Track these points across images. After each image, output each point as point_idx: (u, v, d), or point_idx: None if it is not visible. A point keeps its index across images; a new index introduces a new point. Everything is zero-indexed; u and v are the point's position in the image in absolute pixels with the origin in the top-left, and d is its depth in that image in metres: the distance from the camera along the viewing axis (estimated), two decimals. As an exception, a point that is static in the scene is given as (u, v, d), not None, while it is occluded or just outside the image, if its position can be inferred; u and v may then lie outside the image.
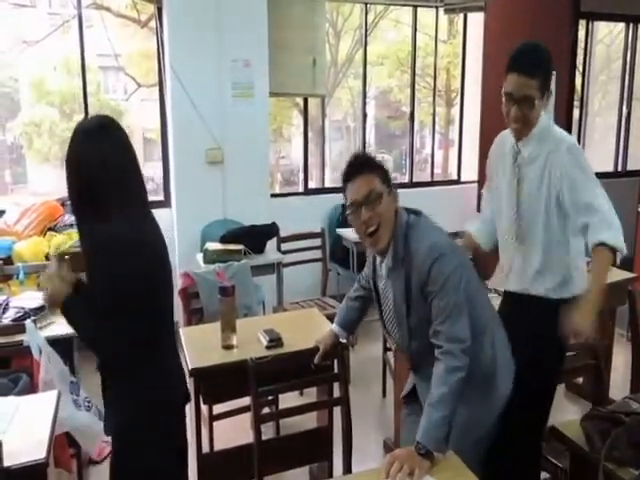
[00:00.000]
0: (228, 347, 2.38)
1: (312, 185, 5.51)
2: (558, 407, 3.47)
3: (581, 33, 5.73)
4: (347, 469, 2.30)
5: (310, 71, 4.87)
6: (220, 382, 2.30)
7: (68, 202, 4.24)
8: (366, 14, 5.42)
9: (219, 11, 4.28)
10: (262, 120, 4.55)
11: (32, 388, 2.27)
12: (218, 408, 2.84)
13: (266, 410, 2.83)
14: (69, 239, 3.69)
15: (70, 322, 1.67)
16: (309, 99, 5.27)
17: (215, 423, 2.88)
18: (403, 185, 5.71)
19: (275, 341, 2.38)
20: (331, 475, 2.48)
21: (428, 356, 1.78)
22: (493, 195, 2.35)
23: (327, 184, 5.83)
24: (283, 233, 4.22)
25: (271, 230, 4.12)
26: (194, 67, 4.28)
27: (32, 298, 2.82)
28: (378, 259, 1.94)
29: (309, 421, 2.68)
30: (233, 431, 3.03)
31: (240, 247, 3.81)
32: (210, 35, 4.28)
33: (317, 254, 4.48)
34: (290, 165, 8.71)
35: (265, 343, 2.39)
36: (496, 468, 1.91)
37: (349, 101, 9.18)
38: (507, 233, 2.22)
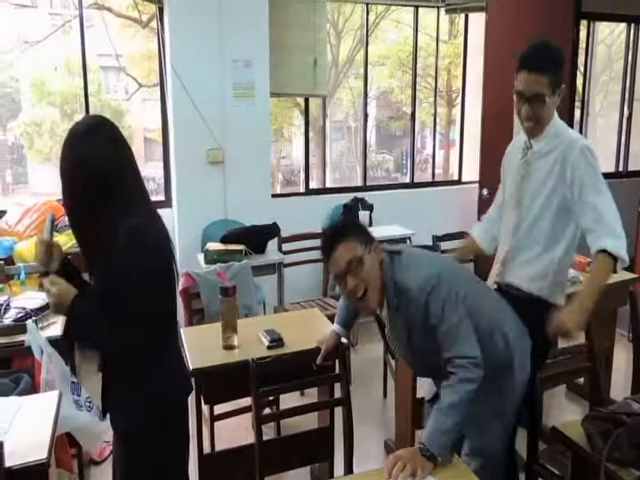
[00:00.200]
0: (229, 347, 2.38)
1: (313, 185, 5.50)
2: (559, 407, 3.49)
3: (582, 33, 5.72)
4: (348, 469, 2.30)
5: (311, 71, 4.87)
6: (221, 382, 2.30)
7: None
8: (367, 14, 5.42)
9: (220, 11, 4.28)
10: (263, 120, 4.55)
11: (33, 388, 2.27)
12: (219, 408, 2.84)
13: (267, 410, 2.84)
14: (70, 239, 3.69)
15: (76, 324, 1.61)
16: (310, 99, 5.27)
17: (216, 423, 2.89)
18: (404, 185, 5.72)
19: (276, 341, 2.38)
20: (332, 475, 2.48)
21: (440, 371, 1.81)
22: (504, 195, 2.35)
23: (328, 184, 5.83)
24: (284, 233, 4.22)
25: (272, 230, 4.12)
26: (195, 67, 4.28)
27: (33, 298, 2.82)
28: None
29: (310, 421, 2.68)
30: (234, 431, 3.03)
31: (241, 247, 3.82)
32: (211, 35, 4.28)
33: (318, 254, 4.46)
34: (291, 165, 8.71)
35: (266, 343, 2.39)
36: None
37: (350, 101, 9.19)
38: (507, 226, 2.23)
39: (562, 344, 2.41)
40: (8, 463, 1.57)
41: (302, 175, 5.53)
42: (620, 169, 6.59)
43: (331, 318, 2.58)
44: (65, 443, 2.31)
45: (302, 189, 5.39)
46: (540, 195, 2.10)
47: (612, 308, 3.40)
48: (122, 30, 6.96)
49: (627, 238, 2.00)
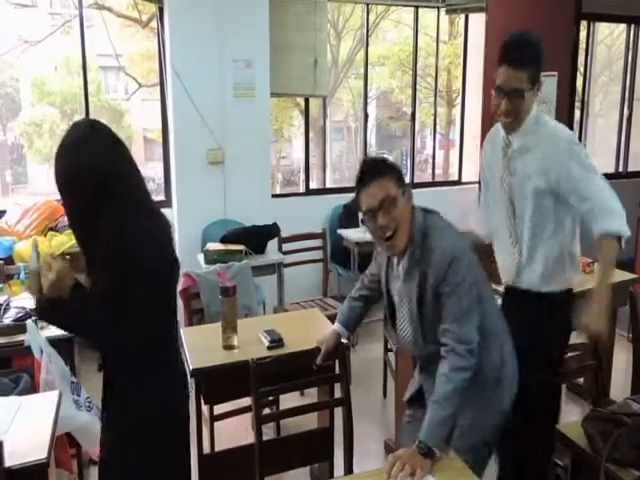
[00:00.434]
0: (229, 347, 2.38)
1: (313, 185, 5.51)
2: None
3: (582, 34, 5.73)
4: (348, 469, 2.30)
5: (311, 71, 4.87)
6: (221, 382, 2.30)
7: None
8: (367, 14, 5.43)
9: (221, 11, 4.28)
10: (263, 120, 4.55)
11: (33, 388, 2.27)
12: (219, 408, 2.84)
13: (267, 410, 2.83)
14: (70, 239, 3.70)
15: (72, 316, 1.58)
16: (310, 99, 5.27)
17: (216, 423, 2.89)
18: (410, 186, 5.70)
19: (276, 342, 2.38)
20: (332, 475, 2.48)
21: (440, 356, 1.79)
22: (487, 190, 2.34)
23: (328, 184, 5.84)
24: (284, 233, 4.22)
25: (272, 230, 4.12)
26: (195, 67, 4.28)
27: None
28: (395, 260, 1.94)
29: (310, 422, 2.68)
30: (234, 431, 3.03)
31: (241, 247, 3.81)
32: (211, 35, 4.28)
33: (318, 255, 4.48)
34: (291, 165, 8.72)
35: (266, 343, 2.38)
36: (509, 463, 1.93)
37: (350, 101, 9.19)
38: (500, 228, 2.23)
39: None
40: (8, 463, 1.57)
41: (302, 175, 5.54)
42: (620, 169, 6.60)
43: (331, 318, 2.58)
44: (65, 443, 2.31)
45: (302, 189, 5.39)
46: (532, 195, 2.07)
47: (612, 308, 3.39)
48: (122, 30, 6.96)
49: (627, 240, 2.00)
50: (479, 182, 5.23)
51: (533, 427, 2.03)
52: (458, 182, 5.97)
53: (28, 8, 6.39)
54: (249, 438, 2.35)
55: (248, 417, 2.90)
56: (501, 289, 2.31)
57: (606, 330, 1.93)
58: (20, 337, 2.53)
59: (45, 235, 3.96)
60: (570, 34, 4.63)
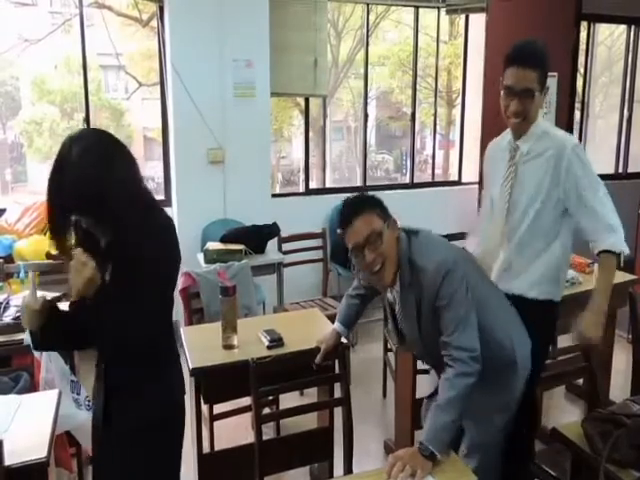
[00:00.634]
0: (229, 347, 2.38)
1: (313, 185, 5.50)
2: (558, 408, 3.49)
3: (582, 35, 5.73)
4: (348, 469, 2.30)
5: (311, 71, 4.87)
6: (221, 382, 2.30)
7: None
8: (367, 14, 5.42)
9: (221, 11, 4.28)
10: (263, 120, 4.55)
11: (33, 387, 2.27)
12: (219, 408, 2.84)
13: (267, 410, 2.83)
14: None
15: (70, 332, 1.61)
16: (310, 99, 5.27)
17: (216, 423, 2.89)
18: (404, 186, 5.72)
19: (276, 341, 2.38)
20: (332, 475, 2.48)
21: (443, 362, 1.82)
22: (493, 200, 2.34)
23: (328, 184, 5.83)
24: (283, 233, 4.22)
25: (272, 230, 4.12)
26: (195, 66, 4.28)
27: (33, 297, 2.81)
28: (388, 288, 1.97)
29: (310, 421, 2.68)
30: (234, 431, 3.03)
31: (241, 247, 3.81)
32: (212, 35, 4.28)
33: (318, 254, 4.48)
34: (291, 165, 8.71)
35: (266, 343, 2.38)
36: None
37: (350, 101, 9.18)
38: (497, 233, 2.22)
39: (561, 344, 2.40)
40: (7, 462, 1.57)
41: (302, 175, 5.53)
42: (620, 171, 6.60)
43: (331, 318, 2.58)
44: (64, 442, 2.30)
45: (302, 189, 5.39)
46: (536, 200, 2.09)
47: (612, 309, 3.39)
48: (122, 29, 6.96)
49: (626, 239, 2.01)
50: (479, 183, 5.27)
51: (511, 433, 2.04)
52: (458, 182, 5.97)
53: (28, 7, 6.39)
54: (249, 438, 2.36)
55: (248, 417, 2.90)
56: None
57: (600, 340, 1.94)
58: (20, 336, 2.53)
59: (45, 234, 3.95)
60: (570, 35, 4.63)
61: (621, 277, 3.23)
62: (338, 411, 2.31)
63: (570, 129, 5.21)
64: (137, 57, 7.52)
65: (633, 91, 6.44)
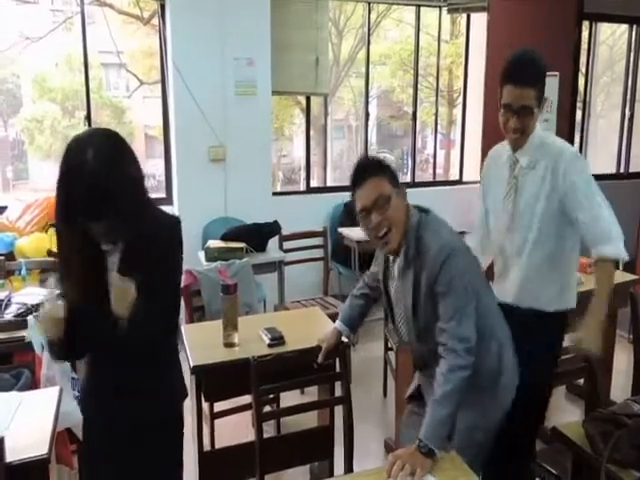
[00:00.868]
0: (230, 345, 2.38)
1: (314, 184, 5.51)
2: (559, 408, 3.49)
3: (584, 34, 5.72)
4: (348, 468, 2.30)
5: (313, 70, 4.87)
6: (221, 380, 2.30)
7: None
8: (369, 13, 5.42)
9: (222, 9, 4.28)
10: (264, 118, 4.55)
11: (34, 384, 2.27)
12: (219, 406, 2.84)
13: (267, 408, 2.83)
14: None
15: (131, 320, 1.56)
16: (311, 98, 5.27)
17: (216, 421, 2.89)
18: (405, 185, 5.69)
19: (277, 339, 2.38)
20: (332, 474, 2.48)
21: (436, 356, 1.79)
22: (488, 210, 2.33)
23: (329, 183, 5.84)
24: (284, 232, 4.22)
25: (273, 228, 4.12)
26: (197, 65, 4.28)
27: (34, 294, 2.82)
28: (391, 259, 1.95)
29: (310, 420, 2.68)
30: (234, 429, 3.03)
31: (242, 245, 3.81)
32: (213, 33, 4.28)
33: (319, 253, 4.48)
34: (292, 164, 8.72)
35: (267, 341, 2.38)
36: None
37: (351, 100, 9.19)
38: (500, 246, 2.22)
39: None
40: (9, 459, 1.57)
41: (303, 173, 5.54)
42: (621, 170, 6.60)
43: (332, 317, 2.58)
44: (65, 439, 2.30)
45: (303, 187, 5.39)
46: (536, 212, 2.08)
47: (612, 310, 3.40)
48: (123, 27, 6.96)
49: (627, 240, 2.02)
50: (480, 182, 5.25)
51: (515, 431, 2.03)
52: (459, 182, 5.97)
53: (29, 4, 6.39)
54: (249, 436, 2.35)
55: (248, 415, 2.90)
56: None
57: (599, 349, 1.94)
58: (21, 333, 2.53)
59: (46, 231, 3.96)
60: (572, 34, 4.62)
61: (622, 277, 3.24)
62: (339, 410, 2.31)
63: (571, 129, 5.20)
64: (138, 55, 7.53)
65: (635, 90, 6.44)
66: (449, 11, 5.62)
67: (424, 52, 6.38)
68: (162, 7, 4.41)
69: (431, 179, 6.24)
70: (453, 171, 6.36)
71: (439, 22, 5.77)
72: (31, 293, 2.85)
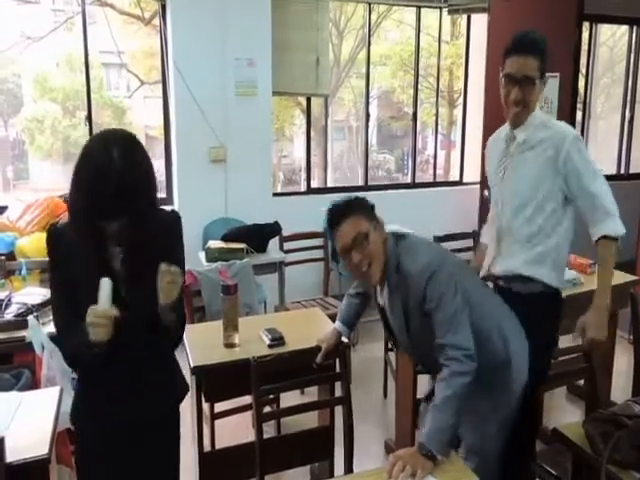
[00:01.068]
0: (230, 345, 2.38)
1: (314, 185, 5.51)
2: (559, 409, 3.49)
3: (584, 35, 5.72)
4: (348, 469, 2.30)
5: (313, 71, 4.87)
6: (222, 380, 2.30)
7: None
8: (369, 14, 5.42)
9: (223, 9, 4.28)
10: (265, 119, 4.55)
11: (34, 384, 2.27)
12: (220, 406, 2.84)
13: (267, 409, 2.83)
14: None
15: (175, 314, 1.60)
16: (312, 99, 5.27)
17: (217, 421, 2.89)
18: (405, 186, 5.72)
19: (277, 340, 2.38)
20: (332, 474, 2.48)
21: (438, 362, 1.81)
22: (496, 191, 2.35)
23: (329, 184, 5.84)
24: (285, 232, 4.22)
25: (274, 229, 4.12)
26: (198, 65, 4.28)
27: (34, 294, 2.82)
28: (378, 290, 2.00)
29: (310, 420, 2.68)
30: (234, 429, 3.03)
31: (242, 246, 3.81)
32: (214, 33, 4.28)
33: (319, 254, 4.48)
34: (292, 164, 8.73)
35: (267, 342, 2.39)
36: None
37: (352, 101, 9.20)
38: (499, 221, 2.23)
39: (561, 344, 2.40)
40: (9, 459, 1.57)
41: (303, 174, 5.54)
42: (622, 171, 6.60)
43: (332, 317, 2.58)
44: (66, 439, 2.30)
45: (303, 188, 5.39)
46: (538, 191, 2.09)
47: (613, 310, 3.39)
48: (124, 27, 6.97)
49: (627, 240, 2.04)
50: (480, 183, 5.27)
51: (513, 431, 2.03)
52: (459, 182, 5.96)
53: (31, 4, 6.40)
54: (249, 436, 2.35)
55: (249, 415, 2.90)
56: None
57: (606, 339, 1.95)
58: (21, 333, 2.53)
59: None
60: (572, 35, 4.62)
61: (622, 278, 3.24)
62: (339, 410, 2.31)
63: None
64: (139, 55, 7.53)
65: (635, 92, 6.44)
66: (449, 12, 5.62)
67: (424, 53, 6.38)
68: (163, 7, 4.42)
69: (431, 180, 6.24)
70: (453, 172, 6.36)
71: (439, 23, 5.77)
72: (31, 293, 2.85)
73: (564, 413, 3.46)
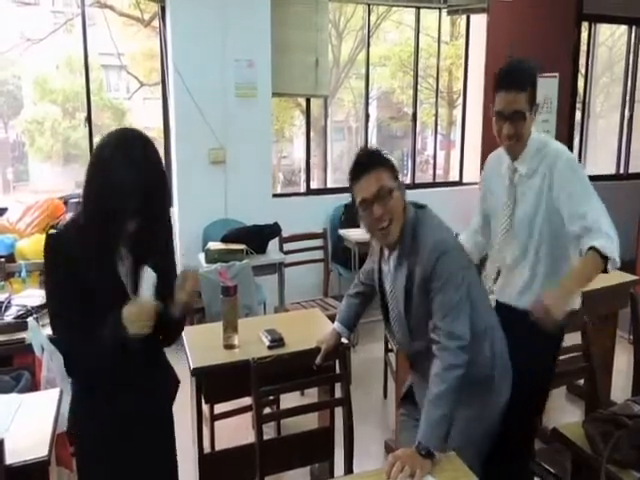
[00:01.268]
0: (230, 347, 2.38)
1: (314, 185, 5.51)
2: (559, 409, 3.49)
3: (583, 35, 5.73)
4: (348, 469, 2.30)
5: (313, 72, 4.87)
6: (222, 382, 2.30)
7: (71, 200, 4.28)
8: (369, 15, 5.43)
9: (223, 11, 4.29)
10: (265, 120, 4.55)
11: (34, 386, 2.27)
12: (219, 408, 2.84)
13: (267, 410, 2.83)
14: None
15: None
16: (311, 99, 5.27)
17: (216, 423, 2.89)
18: (405, 186, 5.70)
19: (277, 341, 2.38)
20: (332, 475, 2.48)
21: (428, 355, 1.79)
22: (487, 211, 2.34)
23: (329, 184, 5.83)
24: (285, 233, 4.22)
25: (273, 230, 4.12)
26: (197, 66, 4.28)
27: (34, 296, 2.82)
28: (385, 254, 1.94)
29: (310, 421, 2.68)
30: (234, 431, 3.03)
31: (242, 247, 3.82)
32: (213, 35, 4.28)
33: (319, 254, 4.48)
34: (292, 165, 8.73)
35: (267, 343, 2.38)
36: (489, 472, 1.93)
37: (351, 102, 9.21)
38: (500, 250, 2.22)
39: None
40: (8, 461, 1.57)
41: (303, 175, 5.54)
42: (621, 171, 6.60)
43: (332, 318, 2.58)
44: (65, 441, 2.30)
45: (303, 189, 5.39)
46: (537, 220, 2.09)
47: (613, 310, 3.40)
48: (124, 29, 6.98)
49: (627, 240, 2.00)
50: (480, 183, 5.25)
51: (513, 431, 2.03)
52: (459, 183, 5.97)
53: (31, 6, 6.41)
54: (249, 437, 2.35)
55: (248, 416, 2.89)
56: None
57: (560, 315, 1.81)
58: (21, 335, 2.53)
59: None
60: (571, 35, 4.62)
61: (622, 278, 3.23)
62: (339, 411, 2.31)
63: (571, 129, 5.21)
64: (139, 57, 7.54)
65: (634, 91, 6.45)
66: (449, 13, 5.62)
67: (424, 53, 6.38)
68: (162, 9, 4.42)
69: (431, 180, 6.24)
70: (453, 172, 6.37)
71: (439, 23, 5.77)
72: (31, 295, 2.85)
73: (564, 413, 3.46)
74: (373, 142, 9.32)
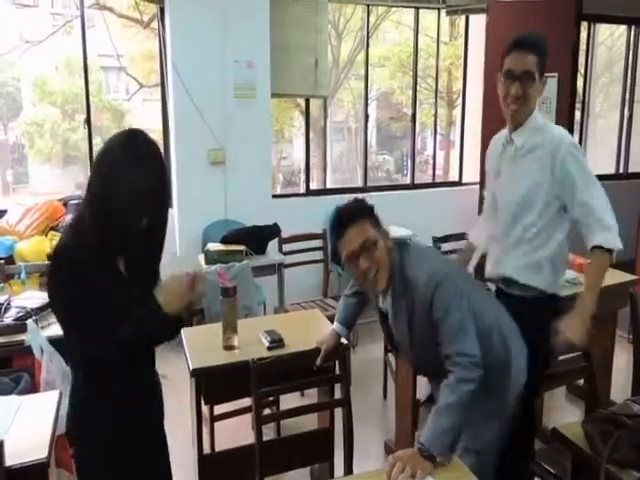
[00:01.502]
0: (229, 348, 2.38)
1: (314, 186, 5.50)
2: (559, 408, 3.49)
3: (583, 35, 5.73)
4: (348, 470, 2.30)
5: (312, 72, 4.87)
6: (221, 383, 2.30)
7: (70, 202, 4.28)
8: (368, 15, 5.42)
9: (222, 12, 4.29)
10: (264, 121, 4.55)
11: (33, 388, 2.27)
12: (219, 409, 2.85)
13: (267, 411, 2.83)
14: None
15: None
16: (311, 100, 5.27)
17: (216, 424, 2.89)
18: (404, 187, 5.72)
19: (276, 342, 2.38)
20: (332, 476, 2.48)
21: (438, 370, 1.81)
22: (492, 189, 2.35)
23: (329, 185, 5.83)
24: (284, 234, 4.22)
25: (273, 231, 4.12)
26: (196, 67, 4.28)
27: (33, 298, 2.82)
28: (380, 299, 1.99)
29: (310, 422, 2.68)
30: (234, 432, 3.03)
31: (241, 248, 3.81)
32: (213, 35, 4.28)
33: (318, 255, 4.48)
34: (291, 166, 8.72)
35: (266, 344, 2.39)
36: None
37: (351, 102, 9.20)
38: (500, 224, 2.23)
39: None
40: (8, 462, 1.57)
41: (302, 176, 5.53)
42: (620, 171, 6.60)
43: (331, 319, 2.58)
44: (65, 442, 2.30)
45: (302, 190, 5.39)
46: (535, 195, 2.09)
47: (612, 310, 3.39)
48: (123, 30, 6.98)
49: (627, 240, 2.02)
50: (480, 183, 5.26)
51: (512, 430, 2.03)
52: (459, 183, 5.96)
53: (29, 8, 6.41)
54: (249, 438, 2.35)
55: (248, 417, 2.89)
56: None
57: (585, 342, 1.92)
58: (21, 337, 2.53)
59: (46, 235, 3.96)
60: (571, 35, 4.62)
61: (621, 277, 3.24)
62: (338, 412, 2.31)
63: (570, 129, 5.20)
64: (138, 58, 7.54)
65: (633, 91, 6.45)
66: (448, 13, 5.62)
67: (423, 54, 6.38)
68: (162, 10, 4.42)
69: (431, 180, 6.24)
70: (452, 172, 6.37)
71: (438, 24, 5.77)
72: (31, 297, 2.85)
73: (564, 413, 3.46)
74: (373, 142, 9.34)
